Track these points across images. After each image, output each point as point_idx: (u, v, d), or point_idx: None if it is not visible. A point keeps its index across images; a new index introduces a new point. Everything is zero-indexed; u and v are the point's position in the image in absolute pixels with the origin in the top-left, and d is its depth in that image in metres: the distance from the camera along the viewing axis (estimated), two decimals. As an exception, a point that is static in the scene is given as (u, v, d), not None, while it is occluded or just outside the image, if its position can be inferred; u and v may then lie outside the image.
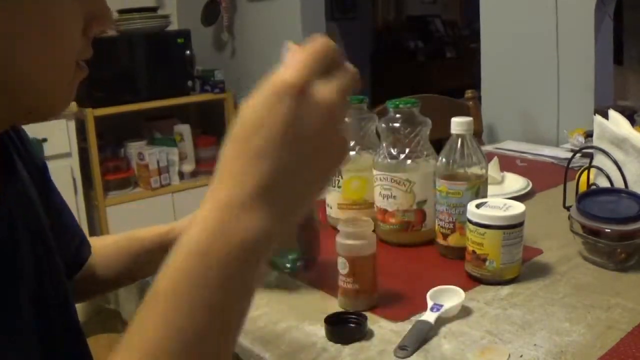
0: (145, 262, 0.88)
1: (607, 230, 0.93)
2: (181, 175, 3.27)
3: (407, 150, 1.05)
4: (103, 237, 0.97)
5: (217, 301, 0.43)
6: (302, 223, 0.93)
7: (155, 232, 0.89)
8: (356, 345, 0.77)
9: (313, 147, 0.44)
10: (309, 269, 0.97)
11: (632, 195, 0.98)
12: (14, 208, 0.63)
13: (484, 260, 0.90)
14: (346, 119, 0.47)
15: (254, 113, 0.44)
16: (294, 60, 0.44)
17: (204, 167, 3.33)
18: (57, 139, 2.75)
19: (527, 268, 0.95)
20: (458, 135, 1.00)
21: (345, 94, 0.45)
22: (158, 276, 0.44)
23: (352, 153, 1.14)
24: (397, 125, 1.06)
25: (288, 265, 0.96)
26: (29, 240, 0.64)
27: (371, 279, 0.86)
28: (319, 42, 0.45)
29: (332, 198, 1.16)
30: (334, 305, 0.87)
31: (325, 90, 0.44)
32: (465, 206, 0.95)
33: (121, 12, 3.09)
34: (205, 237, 0.43)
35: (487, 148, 1.86)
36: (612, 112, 1.13)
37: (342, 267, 0.85)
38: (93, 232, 3.00)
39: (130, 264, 0.89)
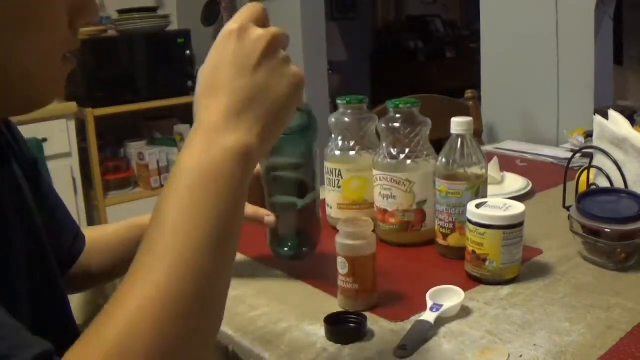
0: None
1: (607, 230, 0.93)
2: (181, 175, 3.27)
3: (407, 150, 1.05)
4: (104, 226, 0.96)
5: (213, 205, 0.50)
6: (302, 211, 0.94)
7: None
8: (356, 345, 0.77)
9: (264, 74, 0.55)
10: (308, 255, 0.97)
11: (632, 195, 0.98)
12: (9, 208, 0.63)
13: (484, 260, 0.90)
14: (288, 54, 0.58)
15: (211, 60, 0.56)
16: (233, 18, 0.57)
17: (204, 167, 3.32)
18: (57, 139, 2.75)
19: (527, 268, 0.95)
20: (458, 135, 1.00)
21: (277, 35, 0.57)
22: (161, 195, 0.51)
23: (352, 153, 1.14)
24: (397, 125, 1.06)
25: (287, 248, 0.96)
26: (22, 238, 0.64)
27: (371, 279, 0.86)
28: (251, 4, 0.58)
29: (332, 198, 1.16)
30: (334, 305, 0.87)
31: (260, 30, 0.56)
32: (465, 206, 0.95)
33: (121, 12, 3.09)
34: (192, 157, 0.52)
35: (487, 148, 1.86)
36: (612, 112, 1.13)
37: (342, 267, 0.85)
38: (93, 232, 3.00)
39: (129, 252, 0.89)
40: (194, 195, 0.50)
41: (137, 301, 0.46)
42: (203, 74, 0.56)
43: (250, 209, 0.89)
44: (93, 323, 0.46)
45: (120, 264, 0.89)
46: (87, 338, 0.45)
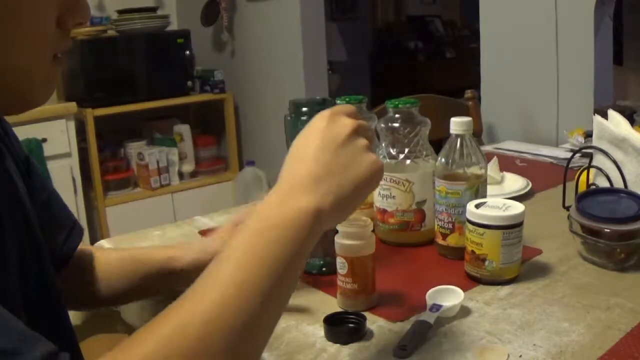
0: (149, 286, 0.89)
1: (606, 230, 0.93)
2: (181, 175, 3.27)
3: (406, 150, 1.05)
4: (107, 251, 0.95)
5: (275, 257, 0.55)
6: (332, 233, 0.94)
7: (161, 257, 0.89)
8: (355, 345, 0.77)
9: (345, 154, 0.62)
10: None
11: (631, 195, 0.98)
12: (3, 207, 0.63)
13: (483, 260, 0.90)
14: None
15: (302, 135, 0.65)
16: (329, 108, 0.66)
17: (204, 167, 3.32)
18: (57, 139, 2.75)
19: (526, 268, 0.95)
20: (457, 135, 1.00)
21: (361, 125, 0.65)
22: (231, 241, 0.57)
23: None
24: (396, 125, 1.06)
25: (317, 264, 0.97)
26: (17, 238, 0.64)
27: (370, 279, 0.86)
28: (347, 104, 0.69)
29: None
30: (333, 305, 0.87)
31: (349, 119, 0.65)
32: (464, 206, 0.95)
33: (121, 12, 3.09)
34: (267, 209, 0.59)
35: (487, 148, 1.86)
36: (611, 112, 1.13)
37: (341, 267, 0.85)
38: (93, 232, 3.01)
39: (135, 286, 0.89)
40: (260, 239, 0.56)
41: (182, 315, 0.51)
42: (293, 145, 0.64)
43: None
44: (141, 327, 0.50)
45: (128, 292, 0.89)
46: (129, 342, 0.49)
